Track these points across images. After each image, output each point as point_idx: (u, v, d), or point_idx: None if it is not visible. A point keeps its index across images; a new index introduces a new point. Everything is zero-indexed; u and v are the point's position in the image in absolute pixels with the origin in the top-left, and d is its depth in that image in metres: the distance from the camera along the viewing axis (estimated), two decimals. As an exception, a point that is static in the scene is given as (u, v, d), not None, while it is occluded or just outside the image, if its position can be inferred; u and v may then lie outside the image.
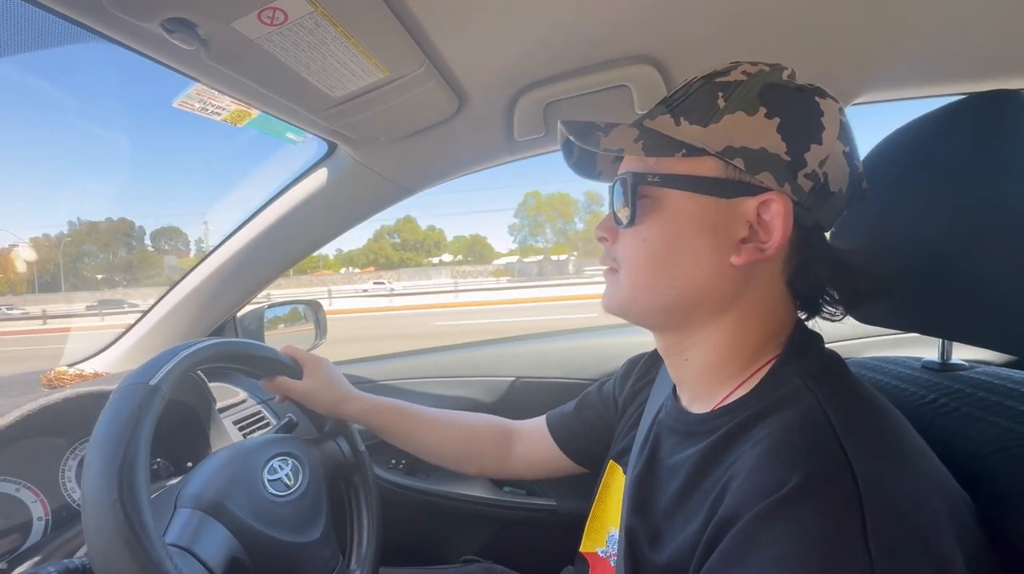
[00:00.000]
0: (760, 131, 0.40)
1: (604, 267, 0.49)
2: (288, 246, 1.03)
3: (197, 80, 0.58)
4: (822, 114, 0.41)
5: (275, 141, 0.81)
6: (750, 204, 0.41)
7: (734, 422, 0.40)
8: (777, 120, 0.40)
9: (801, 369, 0.41)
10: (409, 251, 69.26)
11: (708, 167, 0.41)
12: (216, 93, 0.64)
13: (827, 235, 0.46)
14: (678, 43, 0.68)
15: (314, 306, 1.31)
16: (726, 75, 0.42)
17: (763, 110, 0.40)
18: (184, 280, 1.02)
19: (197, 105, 0.66)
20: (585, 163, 0.54)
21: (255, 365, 0.69)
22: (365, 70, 0.59)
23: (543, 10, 0.59)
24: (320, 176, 0.92)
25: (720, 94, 0.41)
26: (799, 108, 0.41)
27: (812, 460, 0.32)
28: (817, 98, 0.41)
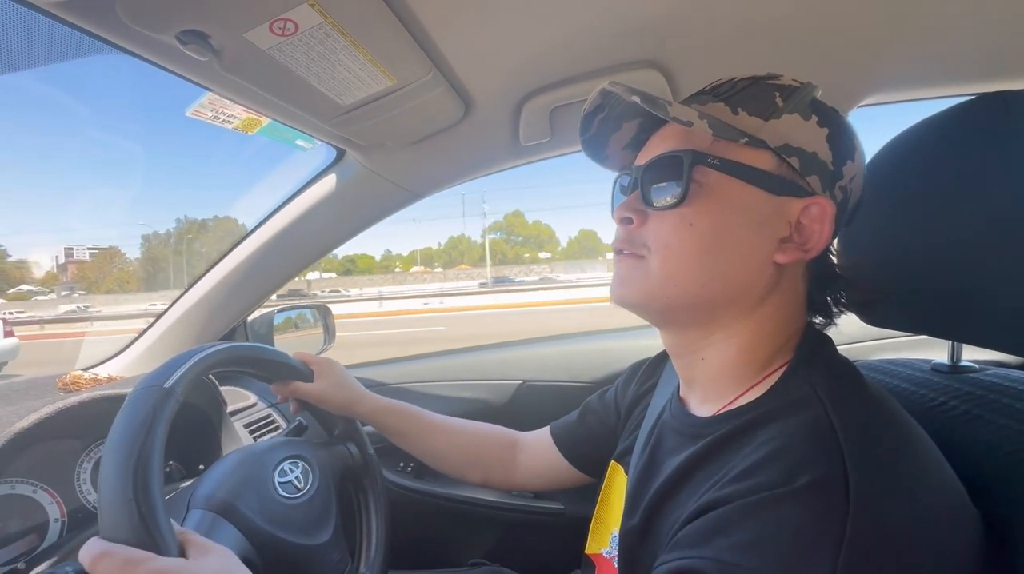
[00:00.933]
0: (813, 136, 0.41)
1: (624, 252, 0.45)
2: (297, 251, 1.04)
3: (210, 89, 0.59)
4: (854, 135, 0.43)
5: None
6: (795, 205, 0.41)
7: (738, 423, 0.40)
8: (827, 130, 0.41)
9: (812, 376, 0.40)
10: (521, 246, 68.71)
11: (764, 161, 0.41)
12: (228, 102, 0.65)
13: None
14: (684, 49, 0.68)
15: (323, 310, 1.32)
16: (776, 79, 0.43)
17: (815, 118, 0.41)
18: (196, 285, 1.03)
19: (209, 114, 0.67)
20: (596, 142, 0.51)
21: (266, 368, 0.70)
22: (373, 78, 0.60)
23: (549, 16, 0.59)
24: (329, 182, 0.93)
25: (777, 94, 0.42)
26: (841, 124, 0.43)
27: (811, 469, 0.32)
28: (847, 120, 0.44)
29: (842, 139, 0.42)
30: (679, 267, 0.42)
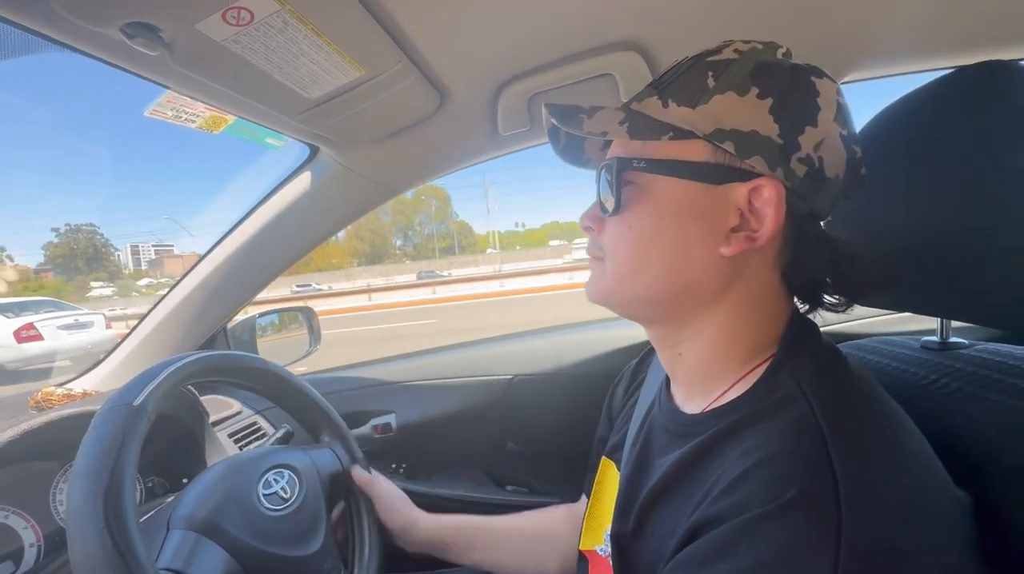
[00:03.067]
0: (751, 112, 0.38)
1: (591, 255, 0.48)
2: (276, 252, 1.01)
3: (166, 87, 0.56)
4: (818, 95, 0.39)
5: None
6: (740, 190, 0.39)
7: (724, 424, 0.39)
8: (770, 100, 0.38)
9: (796, 371, 0.39)
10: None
11: (697, 151, 0.39)
12: (189, 100, 0.62)
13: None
14: (662, 27, 0.66)
15: (307, 312, 1.29)
16: (717, 54, 0.40)
17: (755, 90, 0.38)
18: (172, 292, 1.00)
19: (170, 113, 0.64)
20: (573, 150, 0.52)
21: (242, 376, 0.68)
22: (340, 69, 0.57)
23: (523, 1, 0.57)
24: (304, 180, 0.90)
25: (710, 73, 0.39)
26: (793, 88, 0.39)
27: (800, 478, 0.32)
28: (813, 78, 0.39)
29: (793, 106, 0.38)
30: (624, 270, 0.43)
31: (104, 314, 8.13)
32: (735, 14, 0.63)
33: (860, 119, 0.56)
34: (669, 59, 0.71)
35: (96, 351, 7.11)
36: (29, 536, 0.64)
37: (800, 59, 0.41)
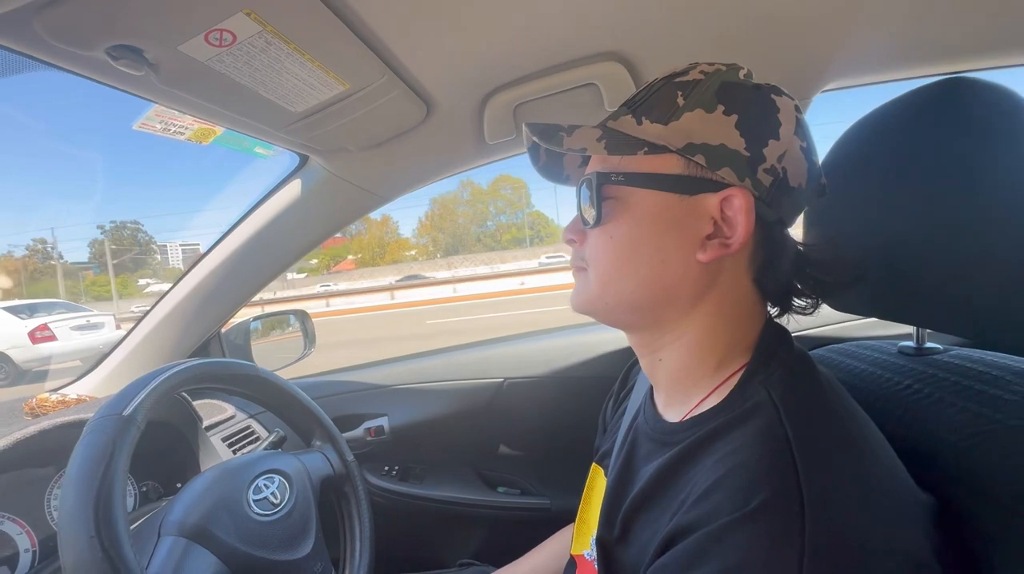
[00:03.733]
0: (719, 128, 0.40)
1: (575, 266, 0.49)
2: (267, 259, 1.02)
3: (154, 102, 0.57)
4: (778, 111, 0.41)
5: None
6: (712, 200, 0.41)
7: (701, 433, 0.40)
8: (735, 117, 0.40)
9: (768, 378, 0.41)
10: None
11: (670, 165, 0.41)
12: (177, 113, 0.63)
13: (796, 229, 0.46)
14: (645, 39, 0.67)
15: (300, 315, 1.30)
16: (684, 75, 0.43)
17: (721, 107, 0.41)
18: (165, 298, 1.01)
19: (158, 126, 0.64)
20: (553, 166, 0.53)
21: (232, 382, 0.69)
22: (324, 84, 0.58)
23: (505, 13, 0.58)
24: (294, 188, 0.91)
25: (679, 93, 0.42)
26: (756, 105, 0.41)
27: (767, 485, 0.33)
28: (773, 96, 0.42)
29: (757, 121, 0.41)
30: (608, 277, 0.45)
31: (113, 316, 8.47)
32: (713, 26, 0.64)
33: (842, 127, 0.57)
34: (651, 69, 0.73)
35: (107, 352, 7.24)
36: (24, 542, 0.66)
37: (777, 69, 0.44)
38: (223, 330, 1.14)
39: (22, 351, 7.05)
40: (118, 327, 7.96)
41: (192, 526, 0.54)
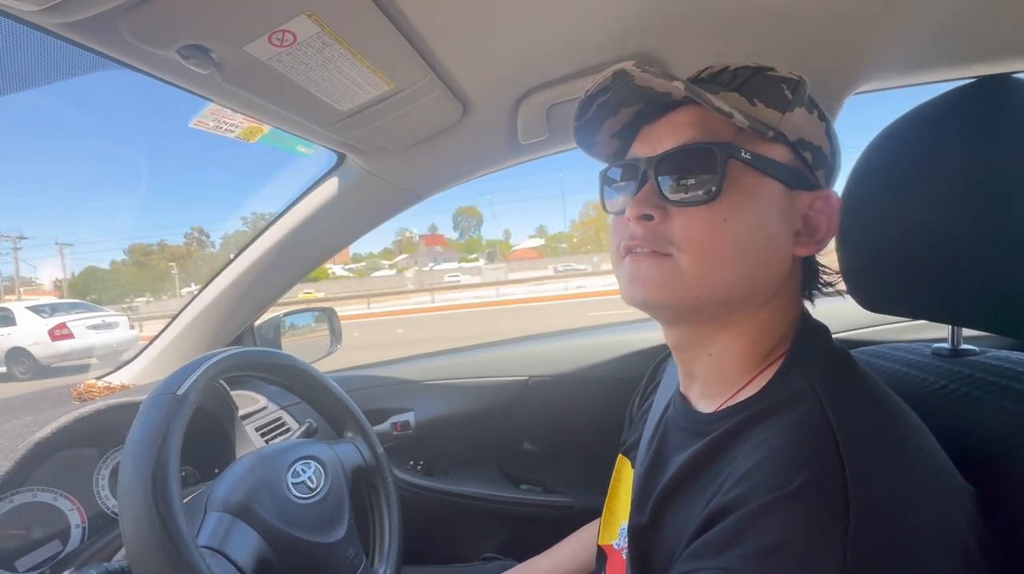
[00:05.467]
0: (818, 131, 0.42)
1: (643, 250, 0.42)
2: (302, 255, 1.05)
3: (212, 100, 0.60)
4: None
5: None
6: (806, 199, 0.42)
7: (738, 420, 0.41)
8: (825, 125, 0.42)
9: (808, 369, 0.41)
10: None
11: (782, 154, 0.41)
12: (229, 112, 0.66)
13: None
14: (678, 40, 0.68)
15: (328, 313, 1.33)
16: (773, 71, 0.42)
17: (816, 112, 0.42)
18: (203, 292, 1.05)
19: (212, 124, 0.68)
20: (589, 128, 0.48)
21: (274, 372, 0.72)
22: (371, 83, 0.60)
23: (542, 16, 0.60)
24: (331, 186, 0.94)
25: (784, 87, 0.41)
26: (830, 120, 0.44)
27: (810, 466, 0.33)
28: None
29: (833, 133, 0.44)
30: (714, 266, 0.40)
31: (128, 316, 9.18)
32: (749, 30, 0.65)
33: (873, 130, 0.58)
34: (684, 71, 0.73)
35: (120, 349, 8.01)
36: (75, 517, 0.69)
37: (811, 72, 0.45)
38: (255, 324, 1.17)
39: (42, 347, 7.66)
40: (132, 327, 8.61)
41: (236, 503, 0.56)
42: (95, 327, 8.05)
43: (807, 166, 0.41)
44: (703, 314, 0.43)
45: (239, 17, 0.45)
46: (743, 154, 0.39)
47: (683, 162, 0.40)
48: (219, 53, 0.49)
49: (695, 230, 0.40)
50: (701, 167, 0.39)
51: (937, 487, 0.34)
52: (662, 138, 0.42)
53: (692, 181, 0.39)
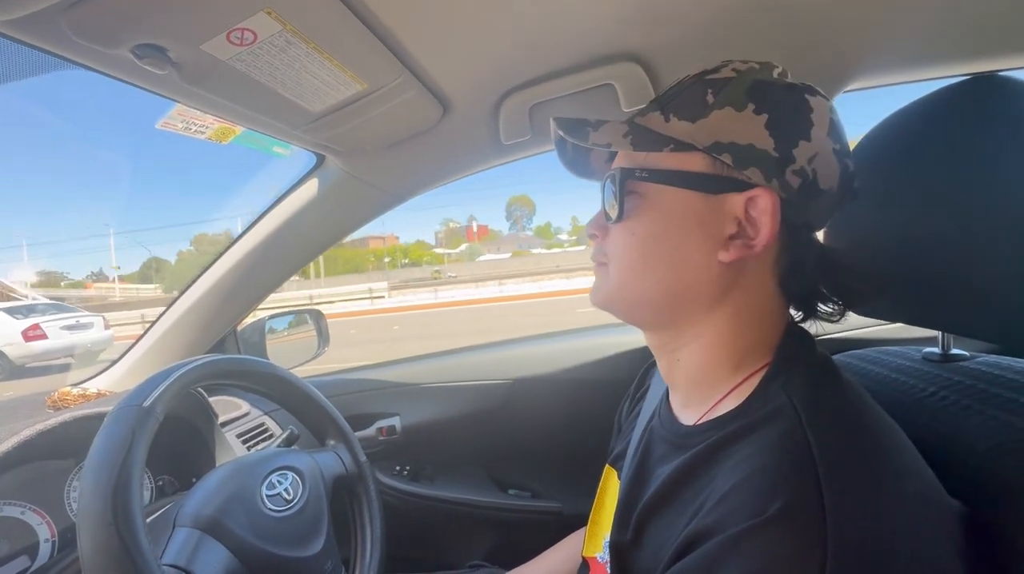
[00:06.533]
0: (748, 127, 0.40)
1: (594, 262, 0.49)
2: (283, 257, 1.03)
3: (176, 101, 0.58)
4: (811, 111, 0.41)
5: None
6: (737, 200, 0.40)
7: (718, 436, 0.40)
8: (765, 116, 0.40)
9: (789, 383, 0.40)
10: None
11: (697, 163, 0.41)
12: (198, 112, 0.64)
13: (820, 232, 0.46)
14: (663, 39, 0.67)
15: (315, 314, 1.31)
16: (716, 73, 0.42)
17: (751, 106, 0.40)
18: (184, 295, 1.03)
19: (180, 125, 0.66)
20: (579, 161, 0.54)
21: (248, 379, 0.70)
22: (342, 83, 0.58)
23: (522, 13, 0.58)
24: (311, 187, 0.92)
25: (709, 91, 0.41)
26: (788, 105, 0.41)
27: (787, 491, 0.32)
28: (807, 95, 0.41)
29: (787, 121, 0.40)
30: (627, 274, 0.45)
31: (103, 316, 9.28)
32: (735, 26, 0.63)
33: (863, 128, 0.56)
34: (669, 70, 0.72)
35: (95, 350, 8.28)
36: (44, 532, 0.67)
37: (799, 69, 0.43)
38: (239, 328, 1.15)
39: (16, 348, 7.88)
40: (107, 327, 8.81)
41: (206, 519, 0.55)
42: (69, 327, 8.26)
43: (730, 167, 0.40)
44: (646, 317, 0.47)
45: (192, 15, 0.43)
46: (638, 173, 0.43)
47: (607, 188, 0.46)
48: (175, 52, 0.46)
49: (614, 245, 0.46)
50: (613, 191, 0.44)
51: (920, 512, 0.33)
52: (611, 167, 0.47)
53: (611, 202, 0.45)
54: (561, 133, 0.45)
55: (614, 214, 0.44)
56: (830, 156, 0.41)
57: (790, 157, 0.39)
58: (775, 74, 0.42)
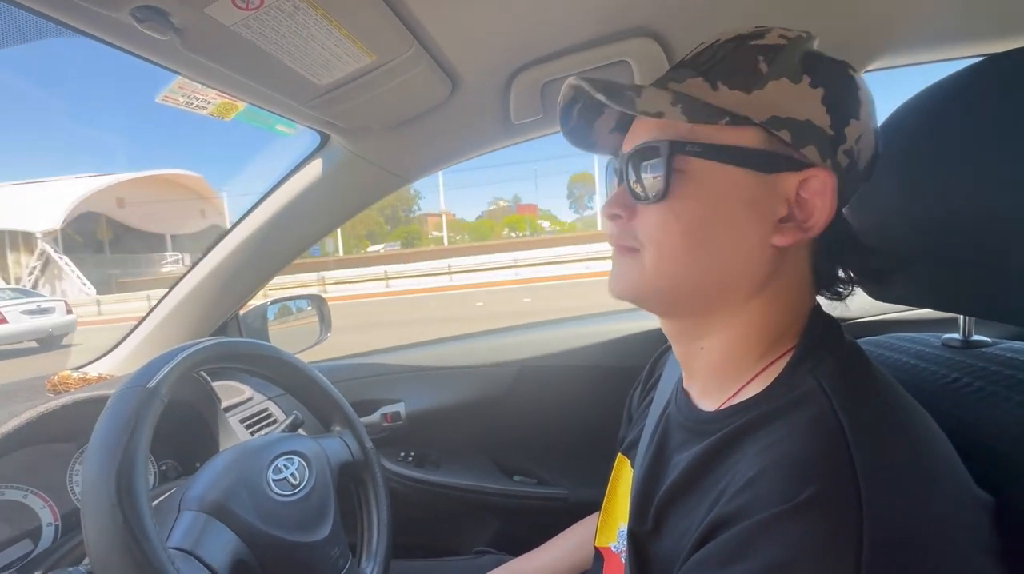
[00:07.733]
0: (805, 102, 0.37)
1: (616, 245, 0.44)
2: (286, 241, 1.01)
3: (177, 72, 0.56)
4: (858, 88, 0.39)
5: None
6: (791, 180, 0.38)
7: (742, 421, 0.38)
8: (821, 91, 0.37)
9: (817, 367, 0.38)
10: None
11: (750, 138, 0.38)
12: (200, 86, 0.62)
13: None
14: (679, 13, 0.64)
15: (317, 300, 1.30)
16: (760, 38, 0.39)
17: (807, 79, 0.37)
18: (185, 279, 1.01)
19: (181, 99, 0.63)
20: (580, 131, 0.48)
21: (253, 363, 0.68)
22: (351, 55, 0.56)
23: None
24: (315, 168, 0.90)
25: (761, 58, 0.38)
26: (839, 80, 0.38)
27: (821, 476, 0.31)
28: (851, 71, 0.39)
29: (841, 97, 0.38)
30: (670, 262, 0.40)
31: (65, 301, 9.39)
32: (754, 1, 0.61)
33: (885, 108, 0.54)
34: (686, 45, 0.69)
35: (57, 334, 8.53)
36: (47, 516, 0.66)
37: (825, 47, 0.41)
38: (241, 312, 1.13)
39: None
40: (69, 312, 8.90)
41: (212, 502, 0.54)
42: (29, 312, 8.39)
43: (788, 145, 0.37)
44: (679, 306, 0.43)
45: None
46: (689, 147, 0.38)
47: (640, 162, 0.40)
48: (178, 16, 0.44)
49: (651, 228, 0.40)
50: (653, 166, 0.39)
51: (955, 501, 0.32)
52: (635, 135, 0.43)
53: (648, 179, 0.40)
54: (600, 96, 0.38)
55: (654, 192, 0.39)
56: (871, 136, 0.39)
57: (842, 136, 0.37)
58: (816, 46, 0.39)
